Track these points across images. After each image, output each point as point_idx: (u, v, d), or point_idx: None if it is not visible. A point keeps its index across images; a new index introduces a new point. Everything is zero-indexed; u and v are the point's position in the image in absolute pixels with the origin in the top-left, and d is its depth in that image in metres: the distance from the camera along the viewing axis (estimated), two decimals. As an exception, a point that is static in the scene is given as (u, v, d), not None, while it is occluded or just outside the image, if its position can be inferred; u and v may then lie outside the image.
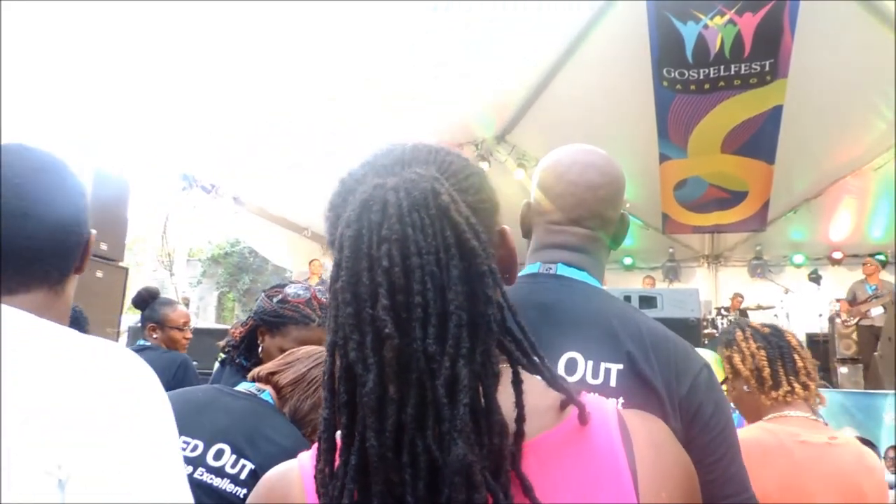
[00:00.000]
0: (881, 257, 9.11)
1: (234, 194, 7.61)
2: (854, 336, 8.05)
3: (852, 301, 8.30)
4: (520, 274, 1.36)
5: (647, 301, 3.39)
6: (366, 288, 0.65)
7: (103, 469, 0.72)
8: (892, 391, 3.51)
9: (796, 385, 1.95)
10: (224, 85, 5.80)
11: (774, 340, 2.03)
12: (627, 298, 3.19)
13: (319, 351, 1.81)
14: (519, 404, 0.67)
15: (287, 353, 1.79)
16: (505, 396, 0.67)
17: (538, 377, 0.72)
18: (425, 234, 0.66)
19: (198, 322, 13.25)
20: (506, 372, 0.68)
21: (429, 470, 0.61)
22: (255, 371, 1.73)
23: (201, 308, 19.28)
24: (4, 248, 0.90)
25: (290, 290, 2.11)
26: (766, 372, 1.98)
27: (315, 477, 0.68)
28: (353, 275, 0.66)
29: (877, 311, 7.74)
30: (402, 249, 0.65)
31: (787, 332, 2.09)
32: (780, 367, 1.98)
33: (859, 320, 7.86)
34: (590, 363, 1.13)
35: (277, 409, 1.65)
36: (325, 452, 0.68)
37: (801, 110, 6.92)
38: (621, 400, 1.08)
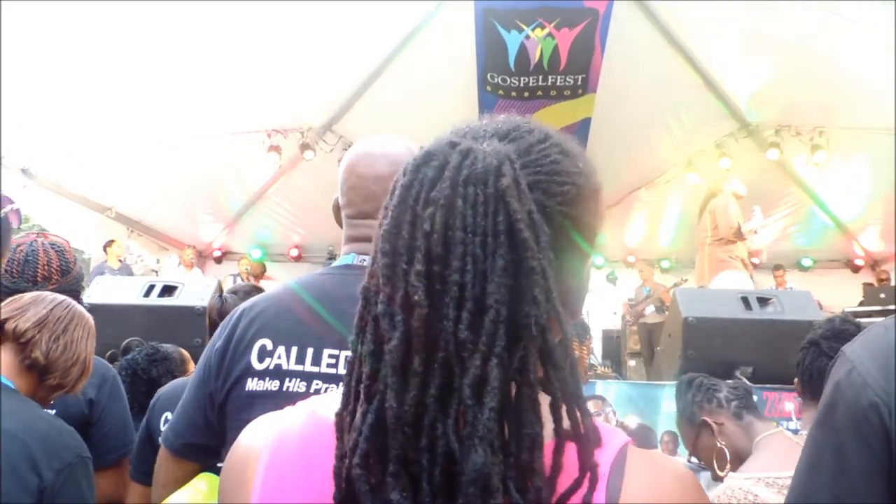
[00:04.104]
0: (666, 263, 10.17)
1: (24, 166, 6.81)
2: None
3: (634, 303, 9.23)
4: (334, 265, 1.33)
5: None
6: (404, 243, 0.61)
7: None
8: (669, 382, 3.90)
9: None
10: (15, 39, 5.17)
11: None
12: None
13: (48, 294, 1.68)
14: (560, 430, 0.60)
15: (10, 300, 1.63)
16: None
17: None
18: (475, 212, 0.60)
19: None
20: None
21: (447, 459, 0.57)
22: None
23: (-22, 292, 16.92)
24: None
25: None
26: None
27: (335, 421, 0.64)
28: (394, 226, 0.62)
29: (649, 310, 8.67)
30: (447, 218, 0.60)
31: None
32: None
33: (637, 320, 8.74)
34: None
35: None
36: (345, 397, 0.64)
37: (606, 124, 7.52)
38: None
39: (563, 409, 0.61)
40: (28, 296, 1.65)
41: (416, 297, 0.58)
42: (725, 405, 2.10)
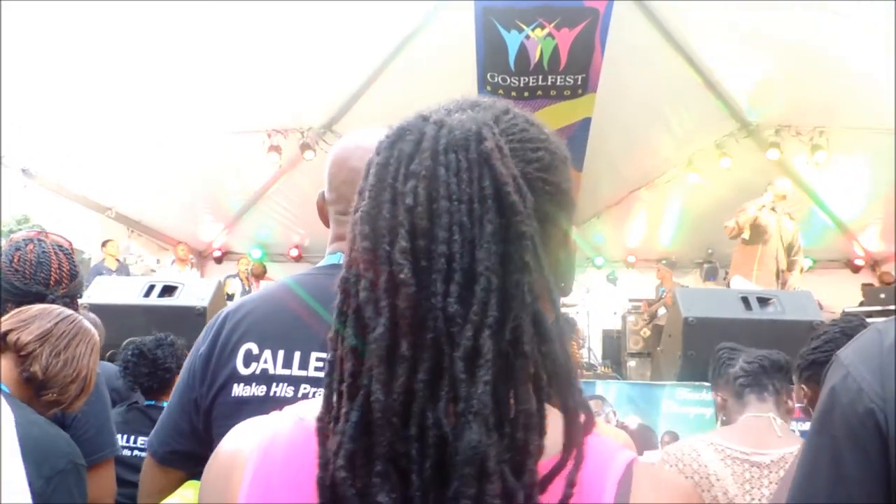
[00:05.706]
0: (664, 263, 10.17)
1: (24, 166, 6.81)
2: (642, 333, 8.95)
3: (651, 302, 9.23)
4: (320, 264, 1.30)
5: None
6: (385, 223, 0.58)
7: None
8: (669, 383, 3.90)
9: None
10: (15, 39, 5.17)
11: None
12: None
13: (56, 308, 1.67)
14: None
15: (17, 311, 1.62)
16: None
17: None
18: (459, 179, 0.58)
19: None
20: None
21: (438, 449, 0.53)
22: None
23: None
24: None
25: None
26: None
27: (317, 427, 0.60)
28: (374, 206, 0.59)
29: (661, 311, 8.65)
30: (430, 189, 0.58)
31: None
32: None
33: (651, 321, 8.73)
34: None
35: None
36: (326, 399, 0.60)
37: (606, 124, 7.52)
38: None
39: (552, 384, 0.58)
40: (35, 308, 1.64)
41: (401, 276, 0.56)
42: (732, 382, 2.11)
